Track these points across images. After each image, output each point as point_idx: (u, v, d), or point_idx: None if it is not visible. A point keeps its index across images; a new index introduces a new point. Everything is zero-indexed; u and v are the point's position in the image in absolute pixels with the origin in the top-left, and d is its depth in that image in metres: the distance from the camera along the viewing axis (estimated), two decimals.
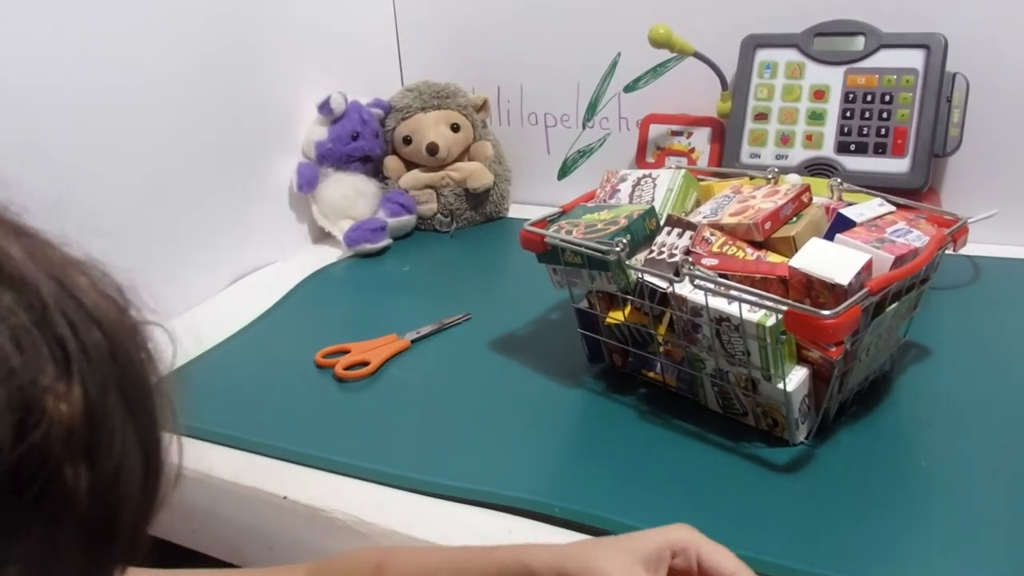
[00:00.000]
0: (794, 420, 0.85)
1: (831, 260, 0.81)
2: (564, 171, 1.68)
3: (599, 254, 0.90)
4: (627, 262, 0.89)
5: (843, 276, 0.78)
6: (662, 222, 0.96)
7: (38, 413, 0.34)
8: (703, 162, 1.46)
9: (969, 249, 1.01)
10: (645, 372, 0.98)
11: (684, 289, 0.86)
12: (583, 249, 0.91)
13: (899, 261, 0.83)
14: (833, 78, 1.33)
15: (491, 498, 0.82)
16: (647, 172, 1.06)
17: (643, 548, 0.64)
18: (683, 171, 1.04)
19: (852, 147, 1.30)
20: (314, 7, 1.51)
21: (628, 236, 0.90)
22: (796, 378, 0.83)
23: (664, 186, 1.03)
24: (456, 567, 0.70)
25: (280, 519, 0.87)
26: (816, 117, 1.33)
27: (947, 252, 0.92)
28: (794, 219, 0.95)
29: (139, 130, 1.17)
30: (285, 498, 0.86)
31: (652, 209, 0.96)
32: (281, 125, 1.49)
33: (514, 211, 1.67)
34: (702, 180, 1.10)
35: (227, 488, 0.89)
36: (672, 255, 0.90)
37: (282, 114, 1.48)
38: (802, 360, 0.86)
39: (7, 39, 1.00)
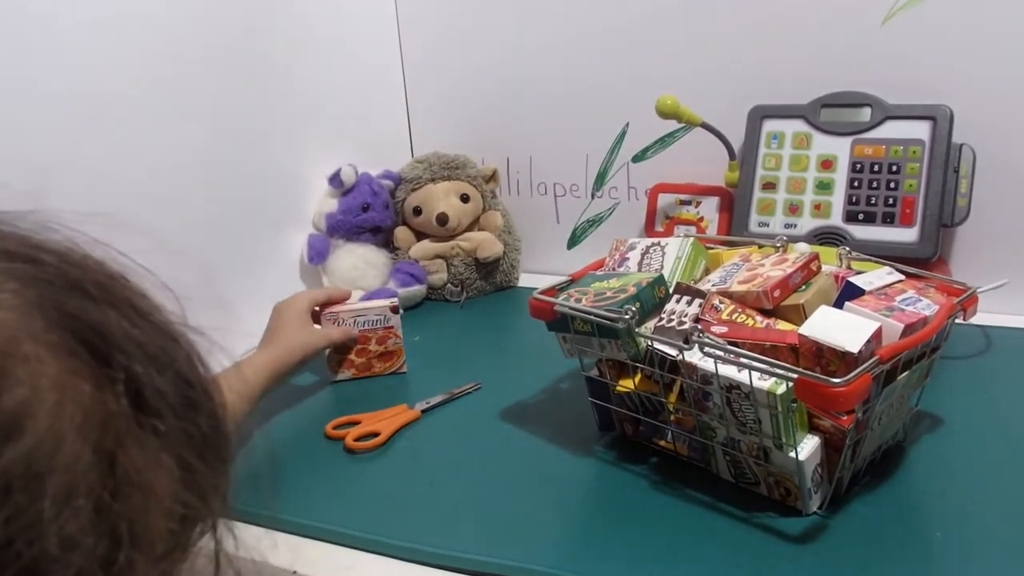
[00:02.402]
0: (807, 489, 0.84)
1: (841, 328, 0.80)
2: (574, 240, 1.69)
3: (608, 322, 0.90)
4: (636, 330, 0.89)
5: (853, 344, 0.78)
6: (671, 290, 0.96)
7: None
8: (712, 231, 1.47)
9: (980, 319, 1.01)
10: (656, 441, 0.98)
11: (694, 357, 0.85)
12: (592, 317, 0.92)
13: (909, 329, 0.83)
14: (840, 148, 1.34)
15: (503, 570, 0.82)
16: (656, 240, 1.06)
17: (302, 310, 1.17)
18: (692, 239, 1.05)
19: (860, 216, 1.30)
20: (325, 80, 1.54)
21: (637, 304, 0.90)
22: (808, 447, 0.83)
23: (673, 254, 1.03)
24: None
25: None
26: (824, 187, 1.34)
27: (957, 321, 0.92)
28: (803, 287, 0.95)
29: (151, 199, 1.19)
30: (295, 573, 0.85)
31: (661, 277, 0.96)
32: (291, 197, 1.50)
33: (524, 280, 1.67)
34: (711, 248, 1.10)
35: (234, 562, 0.88)
36: (681, 323, 0.90)
37: (292, 186, 1.50)
38: (814, 429, 0.85)
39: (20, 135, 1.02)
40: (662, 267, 1.03)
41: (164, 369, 0.39)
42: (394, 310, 1.25)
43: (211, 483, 0.43)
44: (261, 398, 1.06)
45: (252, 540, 0.89)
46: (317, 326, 1.22)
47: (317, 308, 1.22)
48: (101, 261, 0.41)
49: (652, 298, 0.94)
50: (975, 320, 0.97)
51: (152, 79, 1.18)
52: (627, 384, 0.96)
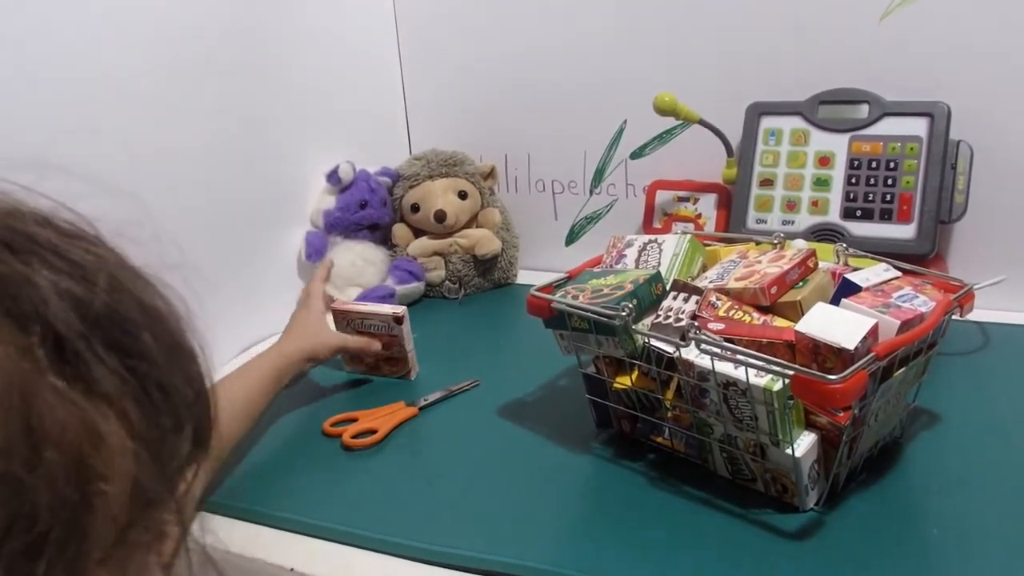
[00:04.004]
0: (803, 486, 0.84)
1: (837, 325, 0.81)
2: (572, 237, 1.69)
3: (605, 319, 0.90)
4: (633, 327, 0.89)
5: (849, 341, 0.78)
6: (668, 287, 0.96)
7: None
8: (710, 228, 1.47)
9: (978, 315, 1.01)
10: (653, 438, 0.98)
11: (691, 354, 0.85)
12: (589, 314, 0.92)
13: (905, 326, 0.83)
14: (838, 145, 1.34)
15: (501, 567, 0.82)
16: (653, 237, 1.06)
17: (321, 307, 1.21)
18: (688, 236, 1.05)
19: (858, 213, 1.30)
20: (323, 78, 1.53)
21: (634, 301, 0.90)
22: (805, 443, 0.83)
23: (670, 251, 1.03)
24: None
25: None
26: (821, 183, 1.34)
27: (954, 318, 0.92)
28: (800, 284, 0.95)
29: (150, 196, 1.18)
30: (292, 570, 0.85)
31: (658, 274, 0.96)
32: (290, 194, 1.50)
33: (522, 277, 1.67)
34: (708, 245, 1.10)
35: (232, 560, 0.88)
36: (678, 320, 0.90)
37: (290, 184, 1.50)
38: (810, 426, 0.85)
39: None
40: (659, 264, 1.03)
41: (84, 309, 0.36)
42: (398, 320, 1.22)
43: (161, 440, 0.39)
44: (276, 391, 1.08)
45: (249, 538, 0.89)
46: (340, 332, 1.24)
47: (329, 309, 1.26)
48: None
49: (649, 295, 0.94)
50: (973, 316, 0.97)
51: (150, 78, 1.17)
52: (624, 381, 0.96)
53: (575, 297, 0.95)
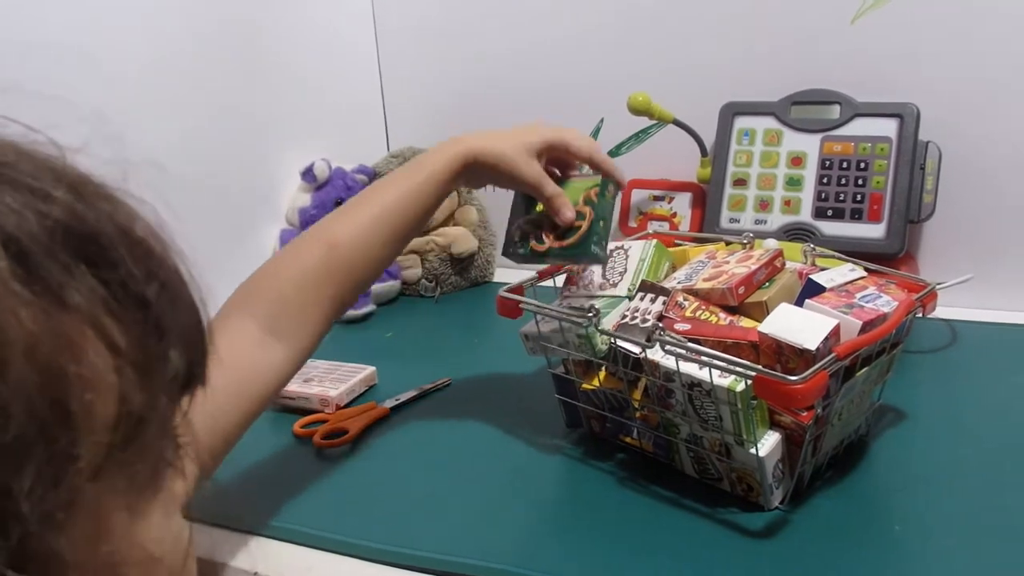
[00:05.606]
0: (768, 485, 0.85)
1: (800, 325, 0.81)
2: None
3: (572, 322, 0.90)
4: (600, 329, 0.90)
5: (811, 341, 0.79)
6: (636, 288, 0.97)
7: None
8: (684, 227, 1.48)
9: (947, 313, 1.02)
10: (622, 437, 0.98)
11: (656, 355, 0.86)
12: (557, 317, 0.92)
13: (867, 326, 0.84)
14: (810, 145, 1.35)
15: (470, 570, 0.82)
16: (620, 244, 1.06)
17: (532, 141, 1.00)
18: (655, 241, 1.05)
19: (829, 212, 1.31)
20: (301, 75, 1.53)
21: (602, 222, 0.92)
22: (768, 443, 0.83)
23: (636, 256, 1.03)
24: (394, 210, 0.92)
25: None
26: (794, 183, 1.35)
27: (921, 316, 0.93)
28: (767, 284, 0.96)
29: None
30: (255, 574, 0.85)
31: (605, 182, 0.99)
32: (265, 192, 1.50)
33: (499, 276, 1.67)
34: (678, 245, 1.11)
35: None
36: (645, 320, 0.90)
37: (266, 181, 1.50)
38: (775, 425, 0.86)
39: None
40: (625, 270, 1.03)
41: (45, 220, 0.34)
42: None
43: (145, 357, 0.37)
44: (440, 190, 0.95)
45: (213, 541, 0.89)
46: None
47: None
48: None
49: (610, 206, 0.97)
50: (941, 314, 0.98)
51: (125, 75, 1.18)
52: (592, 382, 0.97)
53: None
